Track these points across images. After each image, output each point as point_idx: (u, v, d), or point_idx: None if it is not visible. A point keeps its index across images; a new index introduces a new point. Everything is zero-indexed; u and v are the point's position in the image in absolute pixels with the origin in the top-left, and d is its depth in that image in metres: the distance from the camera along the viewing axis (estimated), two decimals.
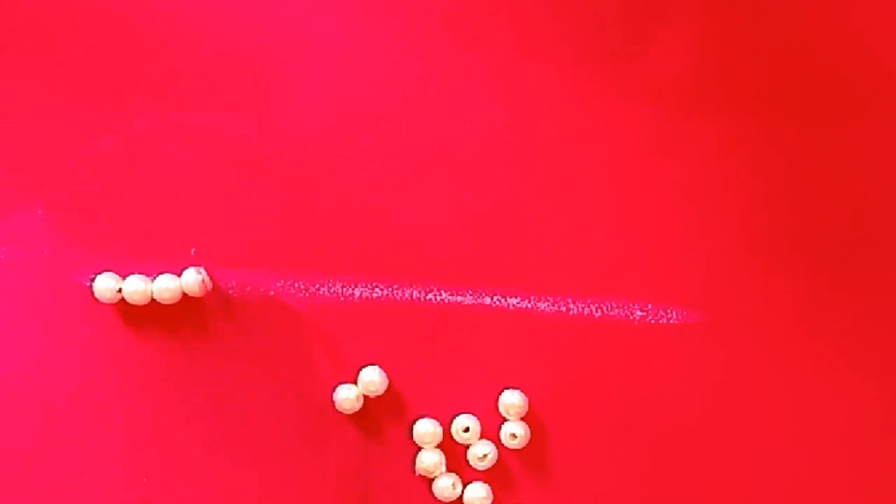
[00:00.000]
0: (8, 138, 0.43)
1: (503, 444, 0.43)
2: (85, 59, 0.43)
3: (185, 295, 0.42)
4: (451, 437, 0.43)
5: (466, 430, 0.42)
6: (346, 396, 0.42)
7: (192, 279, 0.42)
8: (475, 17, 0.44)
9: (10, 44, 0.43)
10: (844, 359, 0.43)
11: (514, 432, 0.42)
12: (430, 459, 0.42)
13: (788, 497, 0.43)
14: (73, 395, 0.42)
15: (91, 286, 0.42)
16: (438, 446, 0.42)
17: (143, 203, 0.43)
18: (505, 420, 0.43)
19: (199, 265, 0.43)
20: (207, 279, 0.42)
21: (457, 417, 0.43)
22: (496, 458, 0.43)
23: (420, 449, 0.42)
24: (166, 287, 0.42)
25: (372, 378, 0.42)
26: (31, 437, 0.42)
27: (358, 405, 0.42)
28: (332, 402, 0.42)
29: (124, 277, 0.42)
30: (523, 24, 0.44)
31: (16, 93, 0.43)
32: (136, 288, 0.42)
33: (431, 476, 0.42)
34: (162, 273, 0.42)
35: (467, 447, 0.43)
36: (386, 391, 0.43)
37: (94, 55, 0.43)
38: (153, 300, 0.42)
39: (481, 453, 0.42)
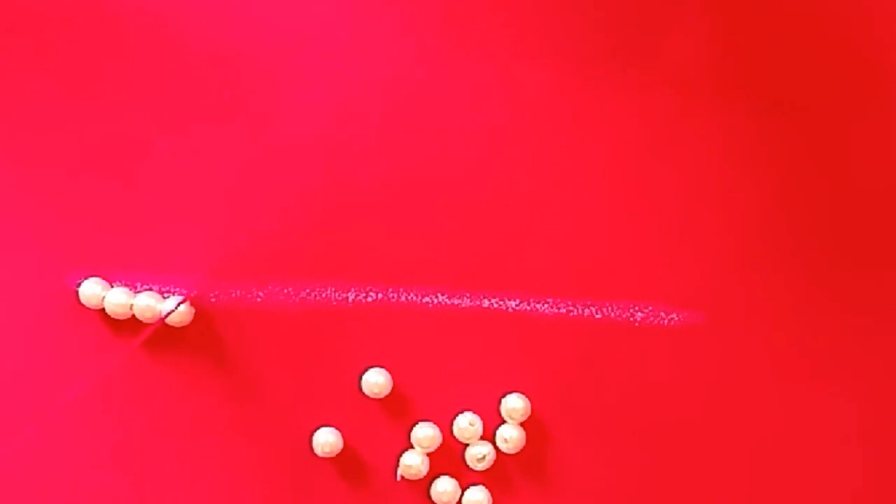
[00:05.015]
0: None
1: (498, 448, 0.42)
2: (84, 63, 0.42)
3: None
4: (453, 434, 0.42)
5: (472, 424, 0.42)
6: (326, 440, 0.42)
7: (172, 310, 0.41)
8: (479, 16, 0.43)
9: (7, 45, 0.42)
10: (845, 359, 0.43)
11: (506, 436, 0.42)
12: (412, 460, 0.42)
13: (789, 497, 0.43)
14: (56, 398, 0.42)
15: (77, 291, 0.42)
16: (438, 450, 0.42)
17: (130, 206, 0.42)
18: (503, 423, 0.42)
19: (188, 272, 0.42)
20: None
21: (461, 414, 0.42)
22: (494, 458, 0.42)
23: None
24: (147, 305, 0.41)
25: (376, 380, 0.42)
26: (17, 439, 0.42)
27: (339, 447, 0.42)
28: (327, 410, 0.42)
29: (111, 283, 0.42)
30: (527, 24, 0.43)
31: (8, 96, 0.42)
32: (119, 301, 0.41)
33: (415, 477, 0.42)
34: (147, 278, 0.42)
35: (465, 447, 0.42)
36: (383, 397, 0.42)
37: (92, 59, 0.42)
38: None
39: (479, 454, 0.42)
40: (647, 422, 0.42)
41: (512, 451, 0.42)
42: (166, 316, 0.40)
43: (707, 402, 0.42)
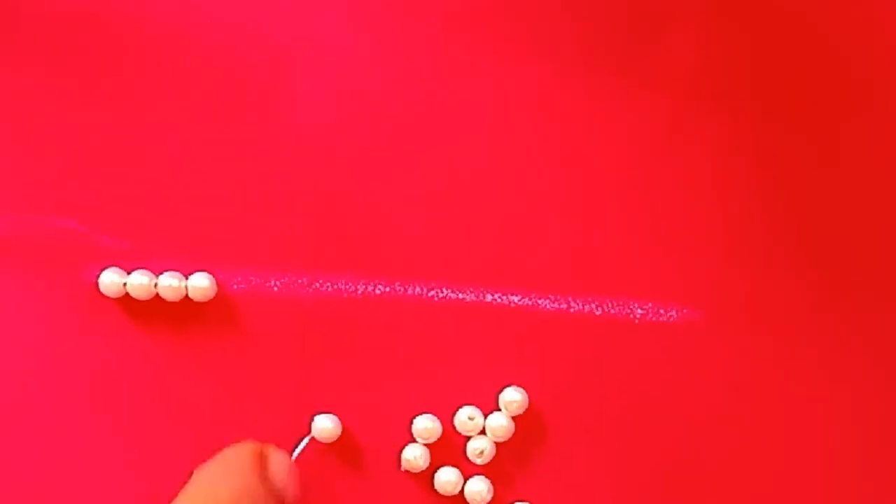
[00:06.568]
0: (17, 138, 0.44)
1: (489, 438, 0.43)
2: (94, 58, 0.44)
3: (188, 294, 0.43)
4: (454, 427, 0.43)
5: (471, 418, 0.43)
6: (325, 426, 0.43)
7: (199, 285, 0.43)
8: (481, 17, 0.44)
9: (18, 45, 0.44)
10: (844, 356, 0.43)
11: (493, 425, 0.42)
12: (412, 453, 0.42)
13: (788, 493, 0.43)
14: (77, 388, 0.43)
15: (97, 281, 0.43)
16: (439, 442, 0.43)
17: (149, 199, 0.43)
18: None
19: (206, 264, 0.43)
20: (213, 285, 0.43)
21: (461, 408, 0.43)
22: (494, 452, 0.43)
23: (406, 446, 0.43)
24: (170, 285, 0.43)
25: (325, 425, 0.43)
26: (36, 429, 0.43)
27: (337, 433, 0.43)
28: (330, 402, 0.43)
29: (129, 273, 0.43)
30: (529, 24, 0.44)
31: (23, 92, 0.44)
32: (140, 283, 0.43)
33: (417, 469, 0.43)
34: (167, 269, 0.43)
35: (467, 439, 0.43)
36: (387, 387, 0.43)
37: (101, 55, 0.44)
38: (157, 295, 0.43)
39: (478, 449, 0.43)
40: (646, 417, 0.43)
41: (500, 440, 0.43)
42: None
43: (706, 398, 0.43)
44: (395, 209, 0.43)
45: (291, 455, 0.40)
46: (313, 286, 0.43)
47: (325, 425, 0.42)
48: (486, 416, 0.43)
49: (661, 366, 0.43)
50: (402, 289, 0.43)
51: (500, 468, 0.43)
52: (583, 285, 0.43)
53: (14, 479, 0.43)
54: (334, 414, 0.43)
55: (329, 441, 0.43)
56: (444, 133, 0.44)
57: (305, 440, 0.42)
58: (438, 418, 0.43)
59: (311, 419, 0.43)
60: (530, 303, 0.43)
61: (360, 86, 0.44)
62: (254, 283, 0.43)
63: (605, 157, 0.44)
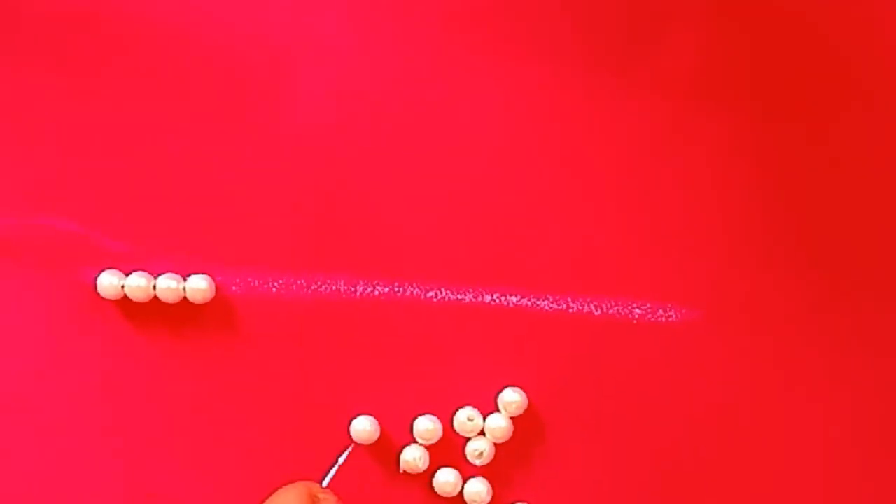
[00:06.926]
0: (16, 138, 0.44)
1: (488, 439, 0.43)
2: (94, 58, 0.44)
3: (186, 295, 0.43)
4: (454, 429, 0.43)
5: (471, 419, 0.43)
6: (364, 427, 0.43)
7: (197, 286, 0.43)
8: (481, 17, 0.44)
9: (18, 45, 0.44)
10: (844, 356, 0.43)
11: (492, 426, 0.42)
12: (411, 454, 0.42)
13: (787, 492, 0.43)
14: (75, 390, 0.43)
15: (95, 283, 0.43)
16: (438, 443, 0.43)
17: (147, 200, 0.43)
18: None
19: (205, 265, 0.43)
20: (212, 287, 0.43)
21: (461, 409, 0.43)
22: (493, 454, 0.43)
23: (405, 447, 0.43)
24: (168, 287, 0.42)
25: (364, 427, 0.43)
26: (34, 431, 0.43)
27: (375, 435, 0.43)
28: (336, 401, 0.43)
29: (128, 275, 0.43)
30: (529, 24, 0.44)
31: (23, 92, 0.44)
32: (139, 285, 0.42)
33: (416, 471, 0.43)
34: (165, 271, 0.43)
35: (467, 440, 0.43)
36: (386, 388, 0.43)
37: (102, 55, 0.44)
38: (155, 297, 0.43)
39: (477, 451, 0.43)
40: (645, 418, 0.43)
41: (500, 441, 0.43)
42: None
43: (705, 398, 0.43)
44: (394, 210, 0.43)
45: (335, 465, 0.40)
46: (312, 287, 0.43)
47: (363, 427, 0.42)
48: (485, 417, 0.43)
49: (661, 366, 0.43)
50: (401, 290, 0.43)
51: (499, 469, 0.43)
52: (582, 285, 0.43)
53: (11, 478, 0.43)
54: (333, 415, 0.43)
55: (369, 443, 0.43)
56: (444, 133, 0.44)
57: (348, 450, 0.42)
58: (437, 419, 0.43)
59: (315, 421, 0.43)
60: (529, 303, 0.43)
61: (360, 86, 0.44)
62: (252, 284, 0.43)
63: (605, 158, 0.44)
